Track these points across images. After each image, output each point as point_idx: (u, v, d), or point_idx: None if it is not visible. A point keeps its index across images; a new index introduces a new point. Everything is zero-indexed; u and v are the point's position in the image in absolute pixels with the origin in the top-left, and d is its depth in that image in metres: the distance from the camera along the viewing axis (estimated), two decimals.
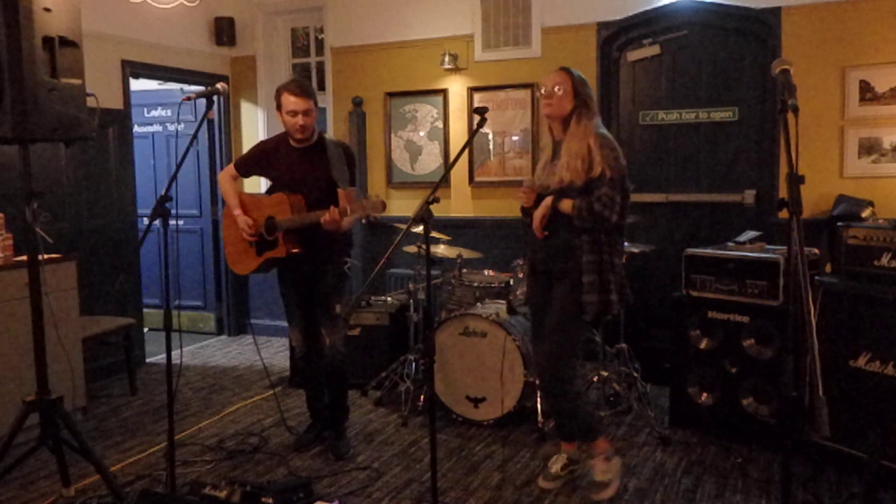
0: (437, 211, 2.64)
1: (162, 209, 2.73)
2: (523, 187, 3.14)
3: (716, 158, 4.73)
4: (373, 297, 4.89)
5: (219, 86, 2.96)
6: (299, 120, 3.41)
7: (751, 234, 3.95)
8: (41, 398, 2.92)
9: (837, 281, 3.26)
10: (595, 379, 4.09)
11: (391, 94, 5.56)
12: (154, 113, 6.34)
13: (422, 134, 5.51)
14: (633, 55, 4.89)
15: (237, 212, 3.55)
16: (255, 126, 6.16)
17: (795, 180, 1.86)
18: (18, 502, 3.16)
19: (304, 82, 3.52)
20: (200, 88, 5.09)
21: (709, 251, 3.78)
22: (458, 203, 5.40)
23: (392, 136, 5.61)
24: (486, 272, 4.56)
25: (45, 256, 3.13)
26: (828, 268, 3.63)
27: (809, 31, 4.36)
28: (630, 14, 4.79)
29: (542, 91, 3.03)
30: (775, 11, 4.41)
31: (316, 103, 3.47)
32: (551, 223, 3.00)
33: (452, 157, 5.07)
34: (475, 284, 4.34)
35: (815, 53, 4.34)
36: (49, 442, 2.95)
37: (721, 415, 3.70)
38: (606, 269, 2.96)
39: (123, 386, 4.82)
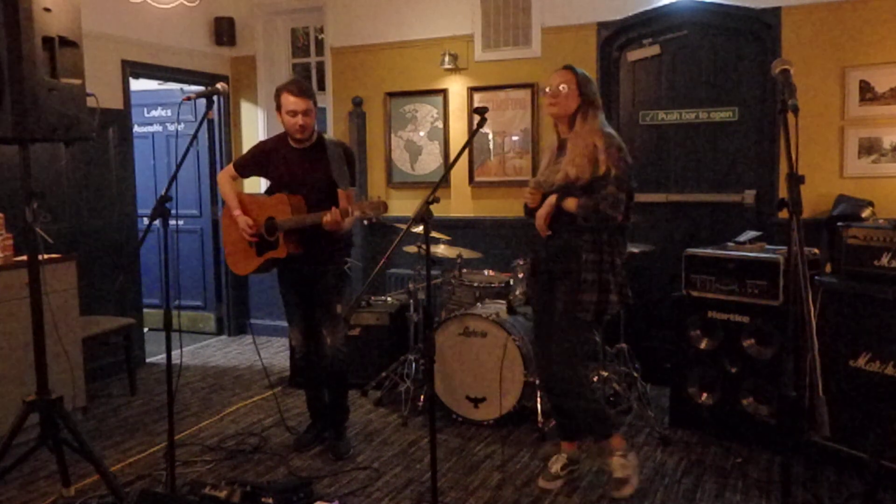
0: (437, 211, 2.64)
1: (162, 209, 2.73)
2: (530, 187, 3.13)
3: (716, 158, 4.73)
4: (373, 297, 4.89)
5: (219, 86, 2.96)
6: (299, 120, 3.41)
7: (751, 234, 3.95)
8: (41, 398, 2.92)
9: (837, 281, 3.26)
10: (595, 379, 4.09)
11: (391, 94, 5.56)
12: (154, 113, 6.34)
13: (422, 134, 5.51)
14: (633, 55, 4.89)
15: (237, 212, 3.55)
16: (255, 126, 6.16)
17: (795, 180, 1.86)
18: (18, 502, 3.16)
19: (303, 82, 3.52)
20: (200, 88, 5.10)
21: (709, 251, 3.78)
22: (458, 203, 5.40)
23: (392, 136, 5.61)
24: (486, 272, 4.56)
25: (45, 256, 3.13)
26: (828, 268, 3.63)
27: (809, 31, 4.36)
28: (630, 14, 4.79)
29: (547, 90, 3.03)
30: (775, 11, 4.41)
31: (315, 103, 3.47)
32: (554, 222, 3.00)
33: (452, 157, 5.07)
34: (475, 284, 4.34)
35: (815, 53, 4.34)
36: (49, 442, 2.95)
37: (721, 415, 3.70)
38: (606, 269, 2.96)
39: (123, 386, 4.82)
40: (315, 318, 3.64)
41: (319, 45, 6.20)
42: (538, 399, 3.87)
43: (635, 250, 4.02)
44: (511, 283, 4.20)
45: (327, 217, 3.26)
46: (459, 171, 5.34)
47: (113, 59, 5.14)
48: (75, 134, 2.90)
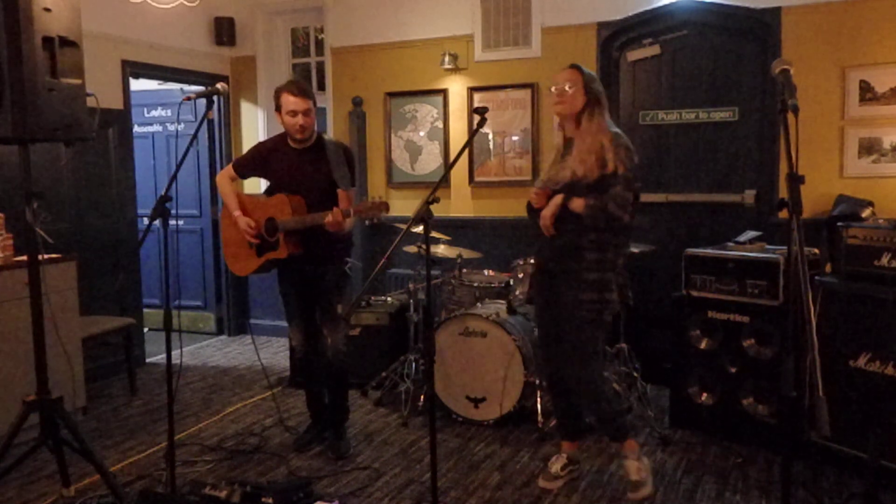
0: (437, 211, 2.64)
1: (162, 209, 2.73)
2: (536, 188, 3.12)
3: (716, 158, 4.73)
4: (373, 297, 4.89)
5: (219, 86, 2.96)
6: (299, 120, 3.41)
7: (751, 234, 3.95)
8: (41, 398, 2.92)
9: (837, 281, 3.26)
10: None
11: (391, 94, 5.56)
12: (154, 113, 6.34)
13: (422, 134, 5.51)
14: (633, 55, 4.89)
15: (237, 213, 3.55)
16: (255, 126, 6.16)
17: (795, 180, 1.85)
18: (18, 502, 3.16)
19: (302, 83, 3.52)
20: (200, 88, 5.11)
21: (709, 251, 3.78)
22: (458, 203, 5.40)
23: (392, 136, 5.60)
24: (486, 272, 4.56)
25: (45, 256, 3.14)
26: (828, 268, 3.63)
27: (809, 31, 4.36)
28: (630, 14, 4.79)
29: (553, 89, 3.03)
30: (775, 11, 4.41)
31: (315, 103, 3.47)
32: (559, 222, 2.99)
33: (452, 157, 5.07)
34: (475, 284, 4.34)
35: (815, 53, 4.34)
36: (49, 442, 2.95)
37: (721, 415, 3.70)
38: (608, 268, 2.96)
39: (123, 386, 4.82)
40: (315, 318, 3.64)
41: (319, 45, 6.20)
42: (538, 399, 3.87)
43: (636, 250, 4.01)
44: (511, 283, 4.20)
45: (329, 218, 3.26)
46: (459, 171, 5.34)
47: (113, 59, 5.15)
48: (75, 134, 2.90)
